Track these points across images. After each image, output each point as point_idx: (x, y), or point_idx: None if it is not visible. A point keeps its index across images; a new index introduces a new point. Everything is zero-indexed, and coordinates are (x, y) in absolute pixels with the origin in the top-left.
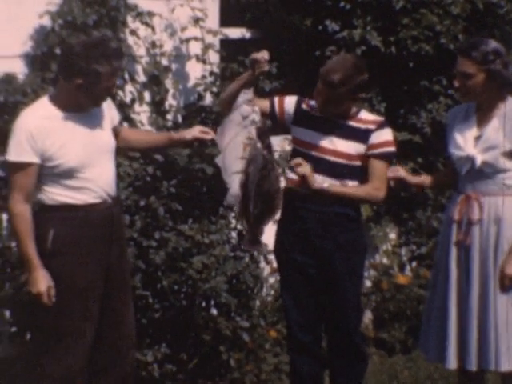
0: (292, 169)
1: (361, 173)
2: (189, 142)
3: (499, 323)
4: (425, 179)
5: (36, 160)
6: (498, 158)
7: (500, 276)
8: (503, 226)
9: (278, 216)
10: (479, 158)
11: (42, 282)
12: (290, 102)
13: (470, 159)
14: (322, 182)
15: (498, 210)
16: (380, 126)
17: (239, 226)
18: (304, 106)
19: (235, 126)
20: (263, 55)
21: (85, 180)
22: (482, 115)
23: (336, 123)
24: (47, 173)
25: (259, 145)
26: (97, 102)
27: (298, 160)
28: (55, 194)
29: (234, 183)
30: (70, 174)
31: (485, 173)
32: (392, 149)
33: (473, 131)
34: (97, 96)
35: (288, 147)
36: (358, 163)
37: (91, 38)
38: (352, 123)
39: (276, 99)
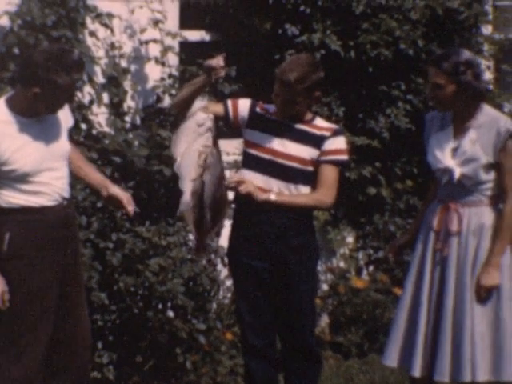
0: (232, 187)
1: (313, 178)
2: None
3: (476, 334)
4: (414, 224)
5: None
6: (477, 170)
7: (476, 287)
8: (483, 236)
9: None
10: (458, 171)
11: None
12: (243, 105)
13: (449, 171)
14: (269, 192)
15: (478, 221)
16: (335, 133)
17: None
18: (258, 109)
19: (191, 133)
20: (218, 62)
21: (40, 184)
22: (459, 125)
23: (291, 127)
24: (2, 177)
25: (215, 152)
26: (54, 109)
27: (238, 177)
28: (10, 197)
29: (187, 190)
30: (25, 178)
31: (464, 184)
32: (344, 157)
33: (450, 142)
34: (54, 104)
35: None
36: (310, 168)
37: (52, 48)
38: (307, 128)
39: (229, 102)
